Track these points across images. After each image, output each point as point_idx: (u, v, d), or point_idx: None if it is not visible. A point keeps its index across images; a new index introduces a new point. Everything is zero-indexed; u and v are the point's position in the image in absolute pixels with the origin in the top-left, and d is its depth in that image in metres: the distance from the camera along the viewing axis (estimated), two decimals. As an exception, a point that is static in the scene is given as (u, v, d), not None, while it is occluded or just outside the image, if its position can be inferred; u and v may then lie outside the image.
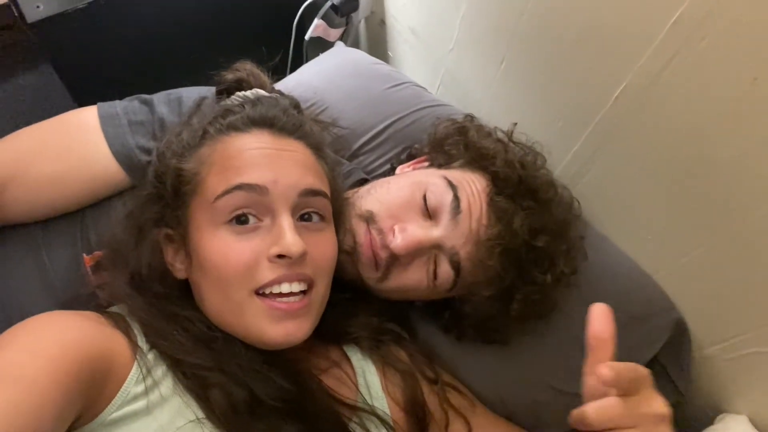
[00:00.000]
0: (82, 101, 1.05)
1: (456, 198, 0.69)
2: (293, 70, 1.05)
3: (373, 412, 0.65)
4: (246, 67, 0.73)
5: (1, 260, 0.74)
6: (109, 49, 1.15)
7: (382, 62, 1.05)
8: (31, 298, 0.73)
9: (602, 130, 0.80)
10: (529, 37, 0.86)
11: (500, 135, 0.82)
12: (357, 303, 0.75)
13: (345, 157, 0.91)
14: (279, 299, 0.56)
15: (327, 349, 0.71)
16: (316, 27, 1.26)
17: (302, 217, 0.60)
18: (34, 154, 0.72)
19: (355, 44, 1.40)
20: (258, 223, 0.57)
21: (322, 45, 1.27)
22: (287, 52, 1.30)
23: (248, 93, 0.70)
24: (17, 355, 0.46)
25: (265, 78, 0.74)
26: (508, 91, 0.96)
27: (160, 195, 0.62)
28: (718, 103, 0.63)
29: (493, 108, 0.98)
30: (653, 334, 0.79)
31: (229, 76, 0.73)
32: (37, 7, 0.99)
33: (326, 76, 0.97)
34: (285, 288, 0.56)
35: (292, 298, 0.57)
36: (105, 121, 0.75)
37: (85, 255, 0.74)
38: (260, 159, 0.59)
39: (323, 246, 0.61)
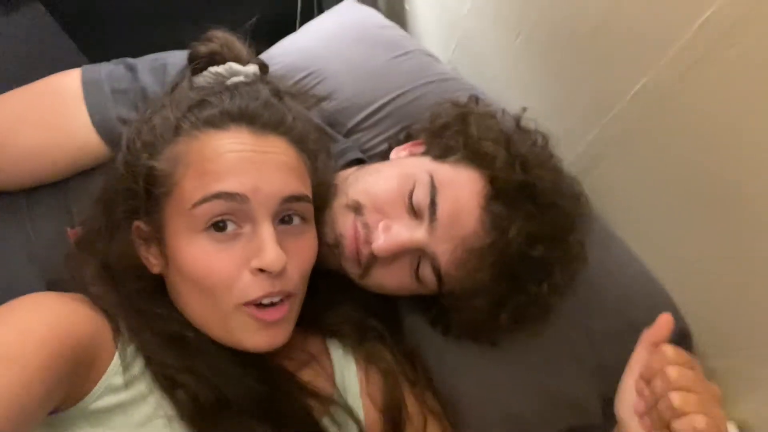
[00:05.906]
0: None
1: (433, 204, 0.64)
2: (303, 23, 0.99)
3: (346, 407, 0.65)
4: (218, 36, 0.69)
5: (-14, 230, 0.74)
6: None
7: (392, 25, 0.97)
8: (17, 269, 0.73)
9: (619, 124, 0.73)
10: (547, 12, 0.78)
11: (507, 119, 0.76)
12: (340, 292, 0.73)
13: (342, 133, 0.86)
14: (263, 309, 0.56)
15: (306, 341, 0.70)
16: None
17: (282, 219, 0.58)
18: (16, 124, 0.71)
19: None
20: (238, 230, 0.55)
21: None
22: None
23: (220, 69, 0.66)
24: (7, 335, 0.47)
25: (240, 47, 0.69)
26: (523, 67, 0.88)
27: (132, 190, 0.59)
28: (740, 113, 0.57)
29: (507, 83, 0.91)
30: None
31: (202, 48, 0.68)
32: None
33: (327, 41, 0.90)
34: (266, 301, 0.56)
35: (274, 307, 0.57)
36: (87, 88, 0.73)
37: (68, 229, 0.73)
38: (240, 164, 0.55)
39: (304, 251, 0.60)
